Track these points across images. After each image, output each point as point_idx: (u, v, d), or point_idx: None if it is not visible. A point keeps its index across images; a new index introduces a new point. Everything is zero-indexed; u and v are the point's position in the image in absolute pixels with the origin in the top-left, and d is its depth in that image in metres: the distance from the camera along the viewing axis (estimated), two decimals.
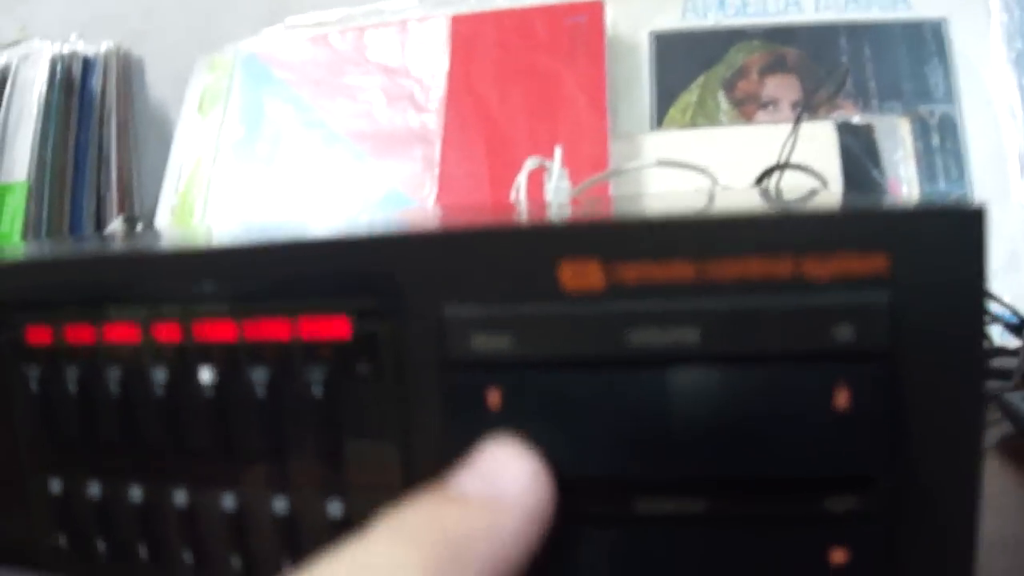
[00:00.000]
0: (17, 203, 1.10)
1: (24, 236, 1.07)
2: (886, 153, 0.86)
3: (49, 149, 1.12)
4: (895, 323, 0.24)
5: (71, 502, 0.34)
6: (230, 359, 0.30)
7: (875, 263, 0.24)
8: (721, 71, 0.92)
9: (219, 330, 0.30)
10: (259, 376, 0.30)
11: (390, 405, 0.28)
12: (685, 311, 0.25)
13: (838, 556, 0.25)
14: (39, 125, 1.11)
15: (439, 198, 0.86)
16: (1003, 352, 0.75)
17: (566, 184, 0.74)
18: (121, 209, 1.15)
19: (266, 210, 0.94)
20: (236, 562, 0.31)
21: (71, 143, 1.14)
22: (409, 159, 0.90)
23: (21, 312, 0.34)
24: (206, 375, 0.30)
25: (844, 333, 0.24)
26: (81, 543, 0.35)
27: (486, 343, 0.26)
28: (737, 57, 0.92)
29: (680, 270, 0.25)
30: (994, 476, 0.54)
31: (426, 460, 0.28)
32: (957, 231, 0.24)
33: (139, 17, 1.23)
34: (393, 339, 0.28)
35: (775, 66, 0.92)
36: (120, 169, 1.16)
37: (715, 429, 0.25)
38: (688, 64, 0.93)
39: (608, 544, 0.26)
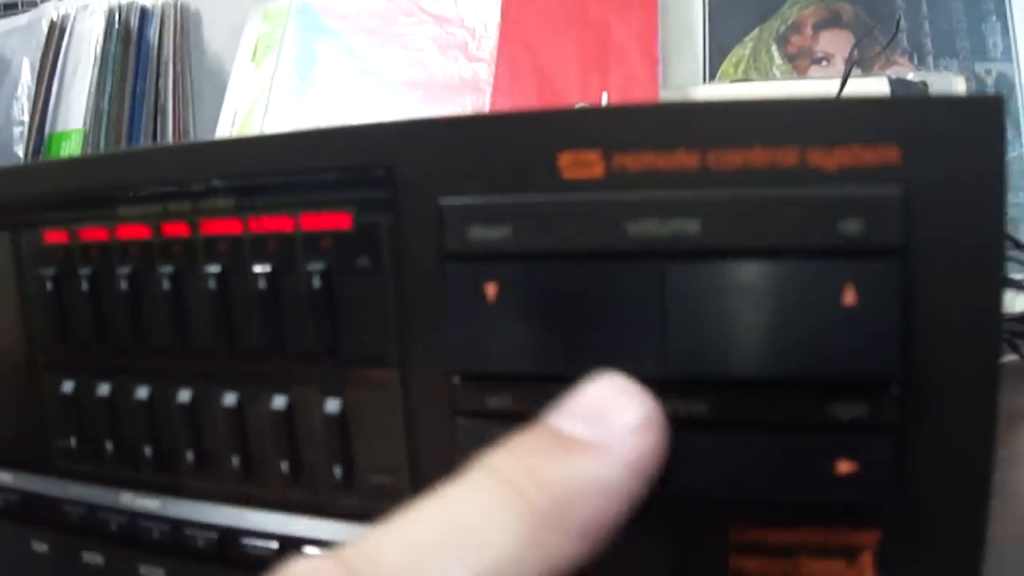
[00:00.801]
0: (72, 150, 1.11)
1: None
2: None
3: (106, 98, 1.13)
4: (907, 218, 0.23)
5: (81, 402, 0.35)
6: (235, 254, 0.30)
7: (886, 154, 0.23)
8: (775, 25, 0.91)
9: (225, 226, 0.30)
10: (262, 269, 0.29)
11: (389, 298, 0.28)
12: (686, 201, 0.24)
13: (844, 467, 0.24)
14: (95, 75, 1.12)
15: None
16: None
17: None
18: None
19: None
20: (235, 460, 0.31)
21: (127, 93, 1.15)
22: (460, 108, 0.89)
23: (39, 214, 0.34)
24: (212, 270, 0.30)
25: (852, 227, 0.23)
26: (90, 443, 0.35)
27: (483, 234, 0.25)
28: (791, 11, 0.90)
29: (682, 159, 0.24)
30: None
31: (424, 356, 0.27)
32: (973, 121, 0.23)
33: None
34: (393, 231, 0.27)
35: (830, 21, 0.90)
36: (176, 119, 1.17)
37: (716, 327, 0.24)
38: (742, 18, 0.91)
39: None
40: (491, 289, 0.26)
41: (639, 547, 0.25)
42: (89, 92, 1.11)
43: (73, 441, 0.35)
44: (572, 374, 0.25)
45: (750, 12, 0.91)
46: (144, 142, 1.15)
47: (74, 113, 1.13)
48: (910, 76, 0.85)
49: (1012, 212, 0.82)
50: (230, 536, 0.32)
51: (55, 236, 0.34)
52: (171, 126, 1.17)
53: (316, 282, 0.28)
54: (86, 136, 1.10)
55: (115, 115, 1.14)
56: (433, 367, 0.27)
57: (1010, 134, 0.84)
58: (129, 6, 1.16)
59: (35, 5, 1.24)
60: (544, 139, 0.25)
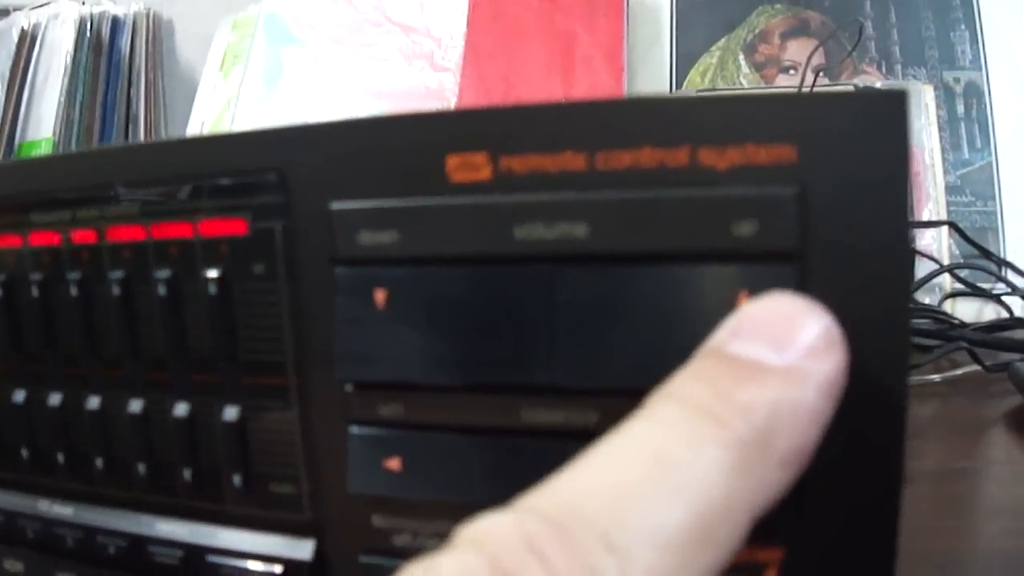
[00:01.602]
0: None
1: None
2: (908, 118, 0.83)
3: (77, 107, 1.12)
4: (804, 219, 0.22)
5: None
6: (139, 260, 0.29)
7: (781, 152, 0.22)
8: (742, 34, 0.90)
9: (130, 232, 0.29)
10: (163, 276, 0.29)
11: (285, 304, 0.27)
12: (573, 203, 0.23)
13: None
14: (66, 83, 1.12)
15: None
16: (1019, 323, 0.73)
17: None
18: None
19: None
20: (142, 468, 0.31)
21: (98, 102, 1.15)
22: None
23: None
24: (117, 276, 0.30)
25: (746, 230, 0.22)
26: (6, 450, 0.34)
27: (373, 239, 0.25)
28: (759, 20, 0.90)
29: (569, 160, 0.24)
30: (1004, 447, 0.53)
31: (320, 363, 0.27)
32: (875, 116, 0.21)
33: None
34: (286, 237, 0.27)
35: (797, 30, 0.89)
36: (148, 128, 1.17)
37: (606, 334, 0.23)
38: (709, 26, 0.91)
39: (494, 457, 0.25)
40: (380, 295, 0.25)
41: None
42: (60, 101, 1.11)
43: None
44: (462, 382, 0.25)
45: (717, 21, 0.91)
46: None
47: (44, 122, 1.12)
48: (878, 85, 0.84)
49: (981, 221, 0.82)
50: (139, 544, 0.31)
51: None
52: (143, 135, 1.16)
53: (213, 288, 0.28)
54: (56, 145, 1.10)
55: (86, 124, 1.13)
56: (328, 375, 0.26)
57: (979, 142, 0.84)
58: (101, 15, 1.16)
59: (6, 13, 1.24)
60: (432, 141, 0.25)
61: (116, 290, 0.30)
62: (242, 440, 0.28)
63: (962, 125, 0.84)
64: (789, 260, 0.22)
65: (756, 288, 0.22)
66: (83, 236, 0.31)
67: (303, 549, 0.28)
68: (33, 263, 0.32)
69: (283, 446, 0.28)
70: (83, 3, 1.16)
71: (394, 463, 0.26)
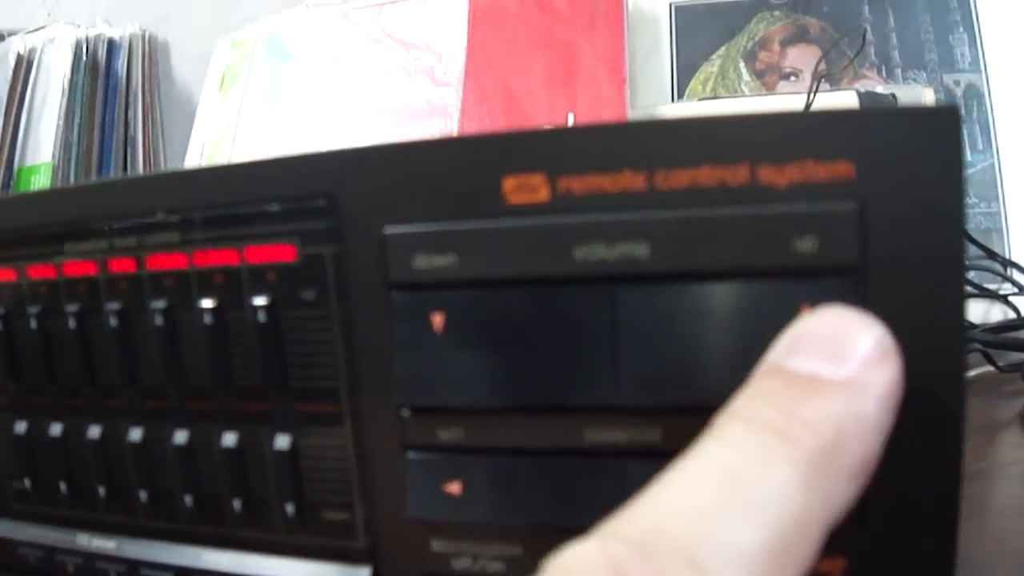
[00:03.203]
0: (42, 183, 1.10)
1: None
2: None
3: (75, 131, 1.12)
4: (862, 234, 0.22)
5: (34, 442, 0.34)
6: (181, 289, 0.29)
7: (840, 169, 0.22)
8: (742, 42, 0.90)
9: (171, 261, 0.29)
10: (207, 304, 0.29)
11: (336, 331, 0.27)
12: (633, 224, 0.23)
13: None
14: (64, 107, 1.11)
15: None
16: None
17: None
18: None
19: None
20: (188, 499, 0.30)
21: (96, 124, 1.14)
22: (428, 132, 0.89)
23: None
24: (158, 306, 0.30)
25: (806, 246, 0.22)
26: (45, 484, 0.34)
27: (429, 263, 0.25)
28: (759, 28, 0.90)
29: (628, 181, 0.24)
30: (1020, 446, 0.53)
31: (374, 389, 0.27)
32: (930, 132, 0.22)
33: (163, 1, 1.23)
34: (337, 262, 0.27)
35: (797, 37, 0.90)
36: (146, 149, 1.16)
37: (668, 352, 0.23)
38: (709, 35, 0.91)
39: (556, 478, 0.25)
40: (437, 319, 0.25)
41: None
42: (58, 125, 1.10)
43: (28, 483, 0.34)
44: (523, 404, 0.25)
45: (717, 29, 0.91)
46: (114, 174, 1.14)
47: (43, 146, 1.11)
48: (879, 89, 0.85)
49: (985, 222, 0.82)
50: None
51: (2, 275, 0.33)
52: (141, 157, 1.16)
53: (261, 316, 0.28)
54: (56, 169, 1.09)
55: (85, 147, 1.13)
56: (383, 400, 0.26)
57: (980, 144, 0.84)
58: (96, 38, 1.15)
59: (1, 38, 1.23)
60: (488, 164, 0.25)
61: (158, 320, 0.29)
62: (294, 468, 0.28)
63: (963, 127, 0.84)
64: (850, 274, 0.22)
65: (818, 303, 0.22)
66: (121, 265, 0.30)
67: None
68: (68, 293, 0.32)
69: (336, 473, 0.28)
70: (78, 26, 1.16)
71: (454, 487, 0.26)
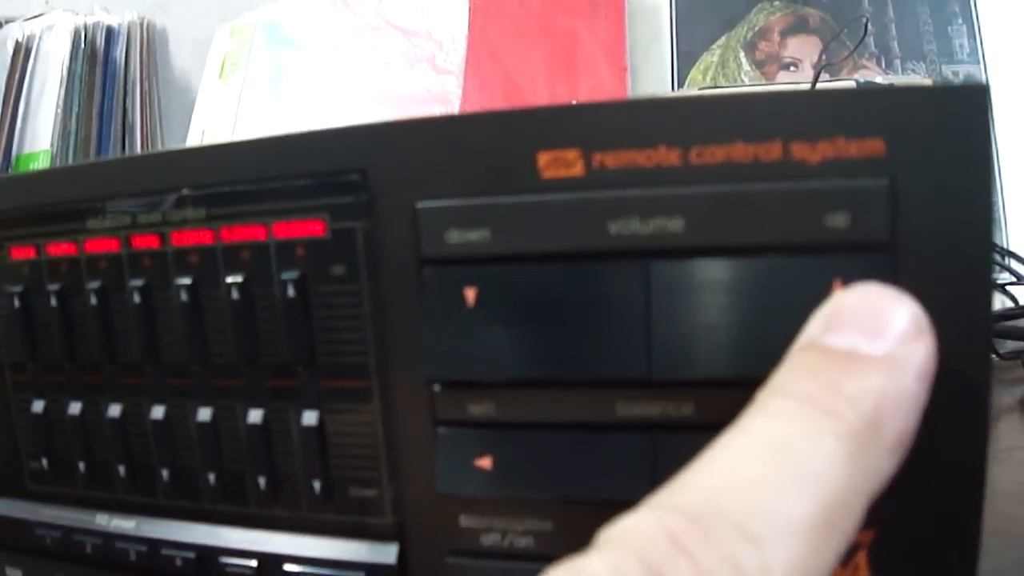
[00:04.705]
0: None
1: None
2: None
3: (73, 118, 1.12)
4: (894, 210, 0.22)
5: (52, 422, 0.34)
6: (207, 265, 0.29)
7: (871, 146, 0.23)
8: (742, 32, 0.91)
9: (196, 237, 0.29)
10: (234, 280, 0.29)
11: (366, 306, 0.27)
12: (668, 198, 0.23)
13: None
14: (62, 95, 1.11)
15: None
16: None
17: None
18: None
19: None
20: (212, 477, 0.30)
21: (94, 112, 1.14)
22: None
23: (4, 230, 0.33)
24: (183, 282, 0.30)
25: (839, 221, 0.23)
26: (63, 464, 0.34)
27: (462, 237, 0.25)
28: (758, 18, 0.91)
29: (663, 156, 0.24)
30: (1018, 432, 0.53)
31: (404, 364, 0.27)
32: (958, 111, 0.22)
33: None
34: (368, 237, 0.27)
35: (797, 27, 0.90)
36: (144, 137, 1.16)
37: (701, 327, 0.24)
38: (709, 25, 0.92)
39: (588, 451, 0.25)
40: (470, 294, 0.25)
41: None
42: (56, 112, 1.10)
43: (45, 462, 0.34)
44: (555, 379, 0.25)
45: (717, 19, 0.91)
46: None
47: (41, 134, 1.11)
48: (878, 80, 0.85)
49: None
50: (208, 555, 0.31)
51: (22, 252, 0.33)
52: (140, 145, 1.16)
53: (291, 291, 0.28)
54: (54, 157, 1.09)
55: (83, 135, 1.12)
56: (413, 375, 0.26)
57: None
58: (95, 25, 1.15)
59: None
60: (522, 139, 0.25)
61: (183, 296, 0.29)
62: (322, 445, 0.28)
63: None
64: (881, 249, 0.23)
65: (850, 277, 0.22)
66: (145, 242, 0.30)
67: (387, 554, 0.28)
68: (90, 271, 0.31)
69: (364, 449, 0.28)
70: (77, 14, 1.16)
71: (485, 462, 0.26)
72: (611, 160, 0.24)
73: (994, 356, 0.64)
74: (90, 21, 1.15)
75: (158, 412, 0.31)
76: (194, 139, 1.05)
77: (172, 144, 1.18)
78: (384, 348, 0.27)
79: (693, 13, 0.92)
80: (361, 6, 0.97)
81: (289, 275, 0.28)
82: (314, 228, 0.27)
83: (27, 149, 1.12)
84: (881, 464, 0.20)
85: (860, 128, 0.23)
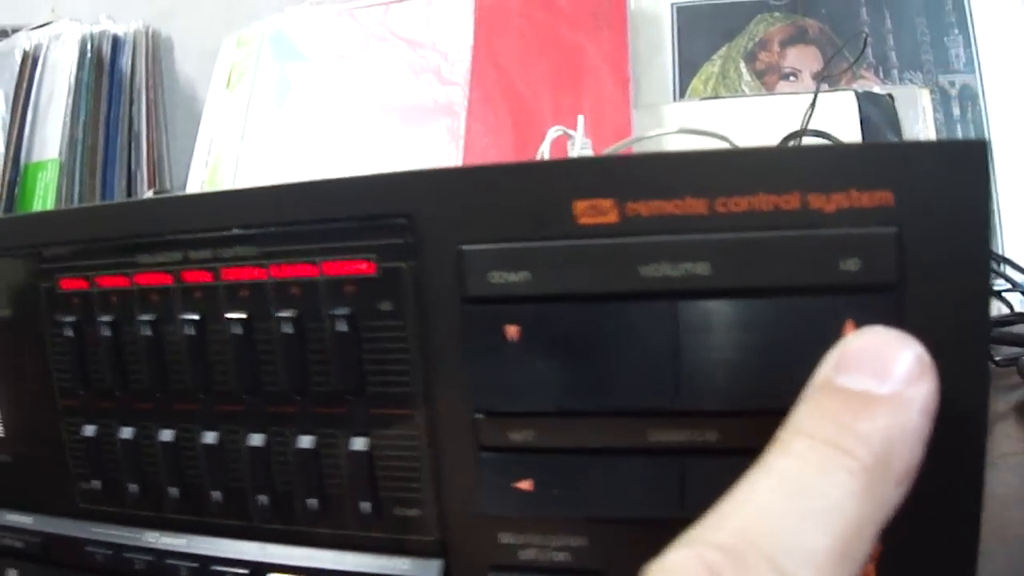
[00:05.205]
0: (49, 180, 1.11)
1: None
2: (906, 123, 0.86)
3: (80, 127, 1.13)
4: (901, 255, 0.25)
5: (103, 445, 0.36)
6: (258, 299, 0.31)
7: (881, 196, 0.25)
8: (742, 42, 0.93)
9: (248, 273, 0.31)
10: (286, 314, 0.31)
11: (412, 340, 0.29)
12: (696, 245, 0.26)
13: None
14: (70, 103, 1.12)
15: None
16: (1022, 318, 0.75)
17: (589, 152, 0.75)
18: (151, 185, 1.17)
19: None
20: (261, 499, 0.32)
21: (101, 121, 1.16)
22: (434, 131, 0.91)
23: (55, 263, 0.35)
24: (235, 316, 0.32)
25: (851, 265, 0.25)
26: (114, 485, 0.36)
27: (503, 279, 0.27)
28: (758, 29, 0.93)
29: (691, 205, 0.26)
30: (1018, 439, 0.55)
31: (447, 394, 0.29)
32: (959, 163, 0.24)
33: None
34: (414, 276, 0.29)
35: (796, 38, 0.92)
36: (150, 146, 1.18)
37: (726, 362, 0.26)
38: (709, 36, 0.93)
39: (621, 474, 0.27)
40: (511, 331, 0.27)
41: None
42: (64, 121, 1.11)
43: (96, 483, 0.36)
44: (591, 408, 0.27)
45: (717, 30, 0.93)
46: (119, 170, 1.15)
47: (49, 143, 1.13)
48: (876, 89, 0.87)
49: None
50: (260, 571, 0.33)
51: (72, 283, 0.35)
52: (145, 154, 1.17)
53: (341, 326, 0.30)
54: (63, 166, 1.10)
55: (90, 144, 1.14)
56: (456, 404, 0.28)
57: None
58: (101, 34, 1.17)
59: (5, 35, 1.24)
60: (560, 188, 0.27)
61: (235, 329, 0.31)
62: (370, 468, 0.30)
63: (958, 127, 0.86)
64: (889, 291, 0.25)
65: (861, 317, 0.25)
66: (196, 276, 0.32)
67: (431, 569, 0.30)
68: (142, 303, 0.33)
69: (409, 472, 0.30)
70: (83, 23, 1.17)
71: (526, 484, 0.28)
72: (643, 209, 0.26)
73: (990, 363, 0.66)
74: (96, 30, 1.16)
75: (210, 437, 0.33)
76: (202, 149, 1.06)
77: (177, 152, 1.20)
78: (429, 379, 0.29)
79: (694, 24, 0.94)
80: (367, 17, 0.99)
81: (340, 311, 0.30)
82: (364, 267, 0.29)
83: (35, 158, 1.13)
84: (891, 495, 0.22)
85: (871, 180, 0.25)
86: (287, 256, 0.31)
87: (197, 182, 1.06)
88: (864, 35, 0.86)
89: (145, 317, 0.33)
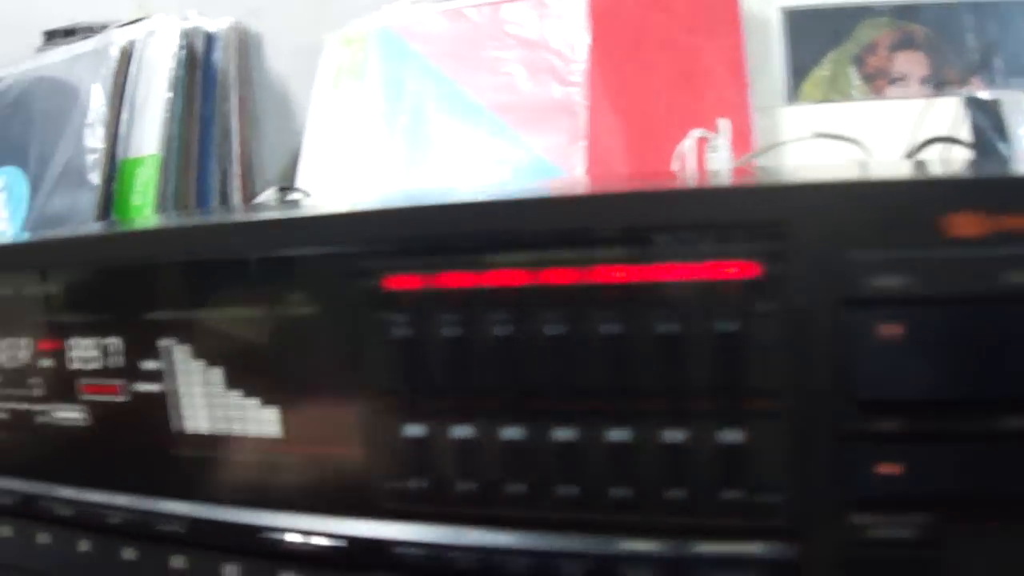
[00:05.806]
0: (149, 176, 1.13)
1: (155, 210, 1.11)
2: (1012, 128, 0.88)
3: (176, 124, 1.15)
4: None
5: (432, 445, 0.38)
6: (629, 301, 0.34)
7: None
8: (851, 47, 0.95)
9: (619, 273, 0.34)
10: (666, 314, 0.34)
11: (788, 338, 0.32)
12: None
13: None
14: (169, 99, 1.14)
15: (590, 169, 0.89)
16: None
17: (728, 155, 0.77)
18: (243, 183, 1.19)
19: (411, 181, 0.97)
20: (618, 492, 0.35)
21: (196, 117, 1.17)
22: (554, 130, 0.92)
23: (379, 261, 0.38)
24: (608, 314, 0.34)
25: None
26: (441, 485, 0.38)
27: (884, 283, 0.30)
28: (865, 33, 0.95)
29: None
30: None
31: (816, 388, 0.32)
32: None
33: None
34: (797, 279, 0.32)
35: (903, 43, 0.94)
36: (242, 142, 1.20)
37: None
38: (819, 40, 0.96)
39: (974, 456, 0.31)
40: (891, 330, 0.30)
41: None
42: (163, 117, 1.13)
43: (414, 483, 0.38)
44: (960, 398, 0.30)
45: (826, 34, 0.96)
46: (214, 166, 1.17)
47: (147, 139, 1.15)
48: (982, 95, 0.90)
49: None
50: (607, 563, 0.36)
51: (401, 282, 0.37)
52: (238, 151, 1.19)
53: (725, 326, 0.33)
54: (163, 161, 1.12)
55: (186, 140, 1.16)
56: (821, 397, 0.32)
57: None
58: (194, 31, 1.19)
59: (92, 31, 1.26)
60: (933, 203, 0.30)
61: (611, 328, 0.34)
62: (738, 458, 0.34)
63: None
64: None
65: None
66: (559, 276, 0.35)
67: (788, 551, 0.34)
68: (492, 302, 0.36)
69: (773, 460, 0.34)
70: (179, 19, 1.19)
71: (890, 468, 0.31)
72: (1011, 223, 0.29)
73: None
74: (189, 27, 1.18)
75: (567, 434, 0.36)
76: (310, 149, 1.08)
77: (268, 149, 1.22)
78: (802, 374, 0.32)
79: (802, 28, 0.96)
80: (478, 15, 1.00)
81: (723, 310, 0.33)
82: (748, 270, 0.32)
83: (133, 154, 1.15)
84: None
85: None
86: (665, 257, 0.34)
87: (306, 180, 1.08)
88: (987, 46, 0.89)
89: (498, 316, 0.36)
